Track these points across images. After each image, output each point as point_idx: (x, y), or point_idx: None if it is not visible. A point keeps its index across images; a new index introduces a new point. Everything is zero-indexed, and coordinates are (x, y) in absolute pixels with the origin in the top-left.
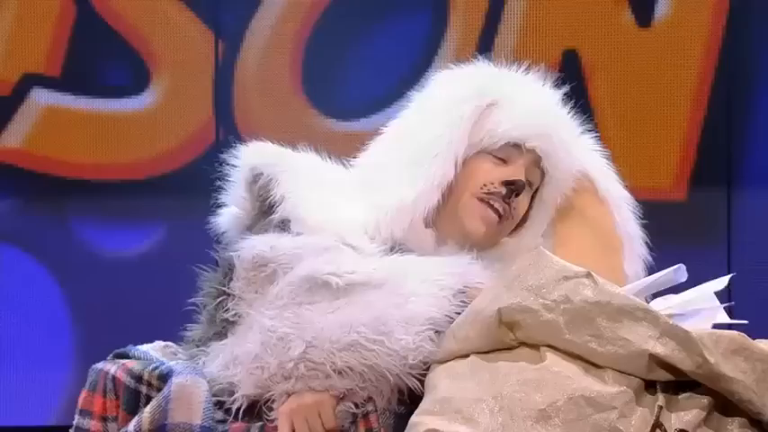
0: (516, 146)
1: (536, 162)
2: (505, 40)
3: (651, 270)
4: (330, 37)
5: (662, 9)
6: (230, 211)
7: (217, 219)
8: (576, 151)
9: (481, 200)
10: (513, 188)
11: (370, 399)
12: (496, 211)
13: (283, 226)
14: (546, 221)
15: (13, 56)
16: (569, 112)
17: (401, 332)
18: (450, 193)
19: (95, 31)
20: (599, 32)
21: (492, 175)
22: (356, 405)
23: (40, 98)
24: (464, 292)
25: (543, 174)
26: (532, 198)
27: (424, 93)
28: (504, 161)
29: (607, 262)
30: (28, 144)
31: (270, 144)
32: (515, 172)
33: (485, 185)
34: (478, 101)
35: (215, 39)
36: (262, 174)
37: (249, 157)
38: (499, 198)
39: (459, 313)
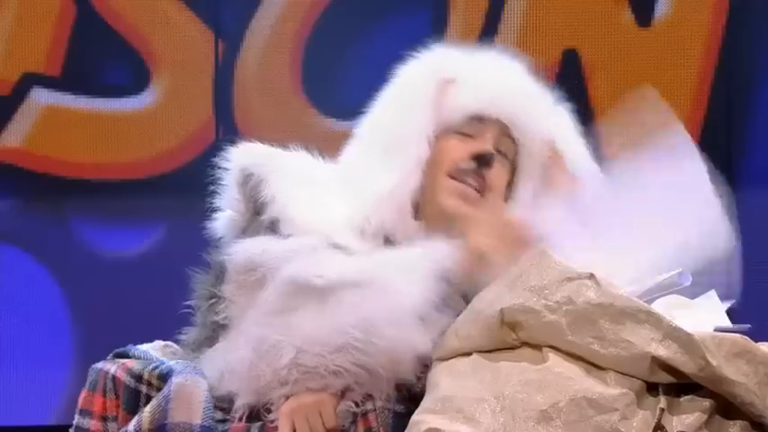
0: (481, 119)
1: (505, 131)
2: (505, 39)
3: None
4: (330, 37)
5: (662, 9)
6: (225, 215)
7: (213, 223)
8: (545, 118)
9: (454, 177)
10: (483, 160)
11: (369, 397)
12: (471, 185)
13: (273, 227)
14: (530, 192)
15: (13, 55)
16: (538, 84)
17: (389, 331)
18: (426, 179)
19: (95, 30)
20: (599, 32)
21: (460, 151)
22: (356, 404)
23: (40, 98)
24: (447, 277)
25: (516, 143)
26: (514, 172)
27: (389, 85)
28: (471, 136)
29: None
30: (28, 144)
31: (259, 144)
32: (482, 144)
33: (455, 163)
34: (437, 79)
35: (215, 38)
36: (252, 174)
37: (239, 158)
38: (471, 173)
39: (443, 298)
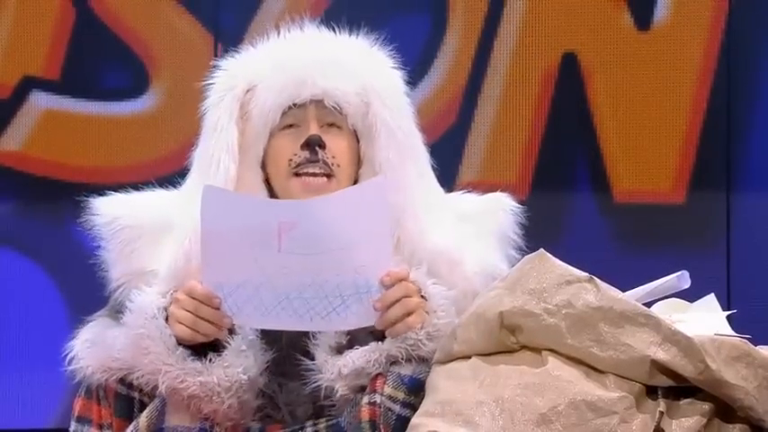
0: (293, 107)
1: (322, 105)
2: (504, 42)
3: (646, 273)
4: None
5: (661, 12)
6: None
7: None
8: (354, 73)
9: (297, 175)
10: (311, 145)
11: (374, 390)
12: (315, 174)
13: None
14: (384, 144)
15: (13, 58)
16: (337, 40)
17: None
18: (276, 187)
19: (95, 33)
20: (598, 35)
21: (290, 147)
22: (362, 388)
23: (40, 101)
24: None
25: (341, 110)
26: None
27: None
28: (296, 126)
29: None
30: (27, 147)
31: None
32: (305, 130)
33: (290, 160)
34: (236, 94)
35: (214, 41)
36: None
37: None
38: (308, 163)
39: None
